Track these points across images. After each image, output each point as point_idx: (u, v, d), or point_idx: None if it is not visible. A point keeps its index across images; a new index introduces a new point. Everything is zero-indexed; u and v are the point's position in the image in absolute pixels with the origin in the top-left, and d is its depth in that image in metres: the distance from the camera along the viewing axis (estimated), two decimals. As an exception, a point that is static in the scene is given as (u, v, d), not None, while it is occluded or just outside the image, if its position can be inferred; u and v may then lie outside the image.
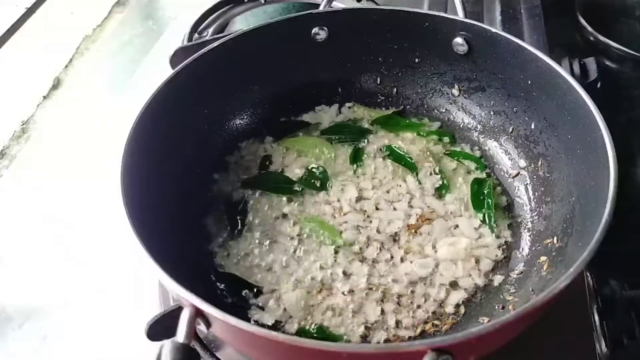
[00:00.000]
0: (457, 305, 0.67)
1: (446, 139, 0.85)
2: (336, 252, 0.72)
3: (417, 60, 0.86)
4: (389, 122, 0.88)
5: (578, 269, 0.50)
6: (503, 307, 0.66)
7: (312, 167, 0.82)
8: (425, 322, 0.66)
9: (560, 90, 0.69)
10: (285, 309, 0.67)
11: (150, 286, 0.73)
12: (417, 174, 0.80)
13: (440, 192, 0.79)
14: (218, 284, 0.70)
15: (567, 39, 1.07)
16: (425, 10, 0.95)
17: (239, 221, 0.76)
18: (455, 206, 0.77)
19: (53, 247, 0.81)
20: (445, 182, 0.79)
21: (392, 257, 0.72)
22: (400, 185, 0.80)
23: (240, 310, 0.67)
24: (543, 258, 0.67)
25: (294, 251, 0.73)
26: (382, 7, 0.85)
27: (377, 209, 0.77)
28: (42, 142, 0.98)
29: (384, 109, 0.90)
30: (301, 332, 0.65)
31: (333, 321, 0.66)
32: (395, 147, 0.84)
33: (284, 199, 0.78)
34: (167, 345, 0.47)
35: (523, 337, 0.53)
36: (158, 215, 0.63)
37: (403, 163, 0.82)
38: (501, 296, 0.68)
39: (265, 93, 0.86)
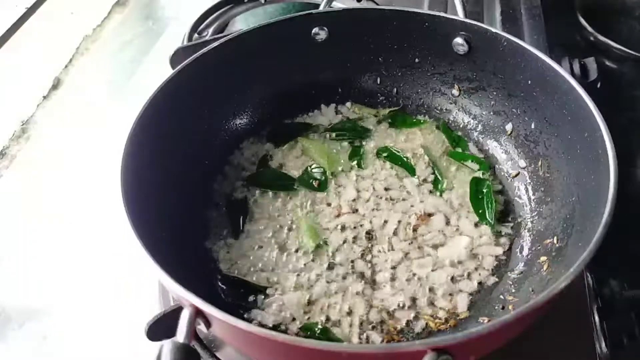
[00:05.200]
0: (459, 305, 0.67)
1: (459, 149, 0.84)
2: (336, 253, 0.72)
3: (417, 60, 0.86)
4: (396, 120, 0.88)
5: (578, 269, 0.50)
6: (503, 307, 0.66)
7: (311, 167, 0.82)
8: (426, 322, 0.66)
9: (560, 90, 0.69)
10: (286, 310, 0.67)
11: (150, 286, 0.73)
12: (415, 174, 0.81)
13: (437, 189, 0.79)
14: (219, 284, 0.70)
15: (567, 39, 1.07)
16: (425, 10, 0.95)
17: (240, 220, 0.76)
18: (455, 205, 0.77)
19: (53, 247, 0.81)
20: (440, 178, 0.80)
21: (391, 258, 0.71)
22: (399, 185, 0.80)
23: (240, 310, 0.67)
24: (543, 258, 0.67)
25: (295, 251, 0.73)
26: (382, 7, 0.85)
27: (376, 209, 0.77)
28: (42, 142, 0.98)
29: (384, 108, 0.90)
30: (302, 332, 0.65)
31: (333, 322, 0.66)
32: (391, 147, 0.84)
33: (285, 199, 0.79)
34: (167, 345, 0.47)
35: (523, 337, 0.53)
36: (158, 215, 0.63)
37: (399, 163, 0.82)
38: (501, 296, 0.68)
39: (265, 93, 0.86)
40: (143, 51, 1.15)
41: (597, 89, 0.90)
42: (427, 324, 0.66)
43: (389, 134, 0.87)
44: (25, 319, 0.74)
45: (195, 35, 1.08)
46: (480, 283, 0.69)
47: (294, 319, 0.66)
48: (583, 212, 0.64)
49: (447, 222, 0.75)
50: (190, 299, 0.48)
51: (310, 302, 0.68)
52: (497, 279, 0.70)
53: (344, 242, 0.73)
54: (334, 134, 0.87)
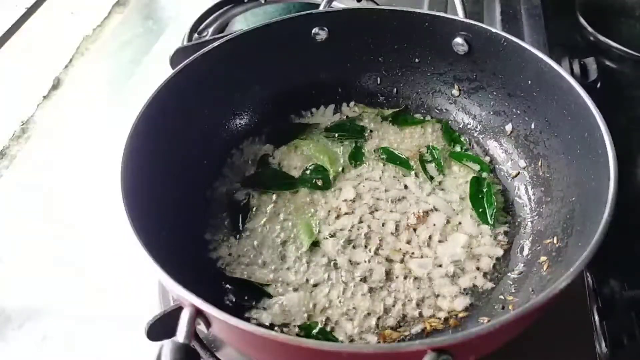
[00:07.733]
0: (459, 305, 0.67)
1: (459, 148, 0.84)
2: (336, 254, 0.72)
3: (417, 60, 0.86)
4: (398, 119, 0.88)
5: (578, 269, 0.50)
6: (503, 307, 0.66)
7: (312, 167, 0.82)
8: (426, 323, 0.66)
9: (560, 90, 0.69)
10: (286, 310, 0.67)
11: (150, 286, 0.73)
12: (414, 173, 0.81)
13: (438, 188, 0.79)
14: (219, 283, 0.70)
15: (567, 39, 1.07)
16: (425, 10, 0.95)
17: (241, 220, 0.76)
18: (454, 205, 0.77)
19: (53, 247, 0.81)
20: (443, 177, 0.80)
21: (390, 258, 0.71)
22: (398, 185, 0.80)
23: (240, 310, 0.67)
24: (543, 258, 0.67)
25: (296, 252, 0.73)
26: (382, 7, 0.85)
27: (375, 209, 0.77)
28: (42, 142, 0.98)
29: (384, 109, 0.90)
30: (302, 332, 0.65)
31: (334, 322, 0.66)
32: (391, 147, 0.84)
33: (285, 199, 0.78)
34: (167, 345, 0.47)
35: (523, 337, 0.53)
36: (158, 215, 0.63)
37: (398, 162, 0.82)
38: (501, 296, 0.68)
39: (266, 93, 0.86)
40: (143, 51, 1.14)
41: (597, 89, 0.90)
42: (426, 323, 0.66)
43: (389, 133, 0.87)
44: (25, 319, 0.74)
45: (195, 35, 1.08)
46: (480, 283, 0.69)
47: (294, 319, 0.66)
48: (583, 212, 0.64)
49: (447, 222, 0.75)
50: (190, 299, 0.48)
51: (310, 302, 0.68)
52: (496, 279, 0.70)
53: (344, 242, 0.73)
54: (334, 134, 0.87)
